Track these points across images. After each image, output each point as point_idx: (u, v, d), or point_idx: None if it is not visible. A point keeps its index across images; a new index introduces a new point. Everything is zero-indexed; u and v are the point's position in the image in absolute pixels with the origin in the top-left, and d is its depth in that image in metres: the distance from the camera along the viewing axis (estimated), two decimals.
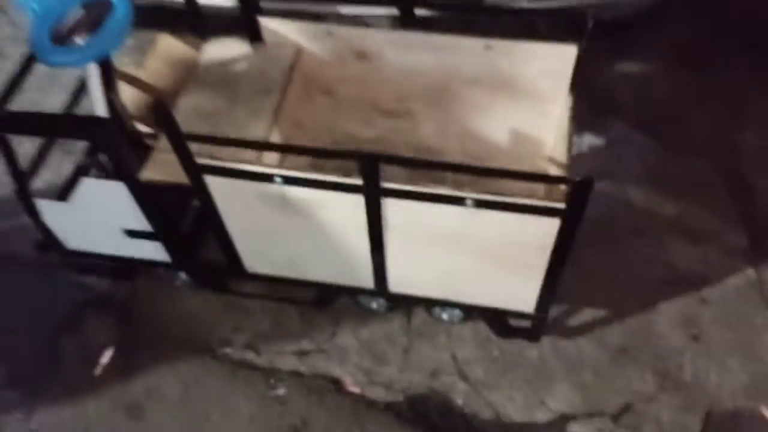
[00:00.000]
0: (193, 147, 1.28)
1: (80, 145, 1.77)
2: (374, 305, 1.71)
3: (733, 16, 2.38)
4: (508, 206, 1.21)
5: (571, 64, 1.47)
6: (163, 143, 1.42)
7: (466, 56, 1.54)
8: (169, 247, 1.59)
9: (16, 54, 1.43)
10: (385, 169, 1.21)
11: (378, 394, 1.63)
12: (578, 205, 1.17)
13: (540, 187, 1.35)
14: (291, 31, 1.61)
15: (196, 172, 1.33)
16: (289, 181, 1.28)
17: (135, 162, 1.42)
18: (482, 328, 1.69)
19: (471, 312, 1.66)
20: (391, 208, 1.29)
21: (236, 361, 1.69)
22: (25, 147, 1.55)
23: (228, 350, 1.71)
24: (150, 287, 1.83)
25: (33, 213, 1.55)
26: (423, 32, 1.52)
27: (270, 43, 1.64)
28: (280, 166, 1.35)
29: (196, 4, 1.62)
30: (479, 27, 1.51)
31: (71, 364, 1.71)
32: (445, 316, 1.69)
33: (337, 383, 1.65)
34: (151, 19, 1.82)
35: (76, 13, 1.37)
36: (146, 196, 1.43)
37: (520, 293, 1.45)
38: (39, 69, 1.49)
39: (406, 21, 1.51)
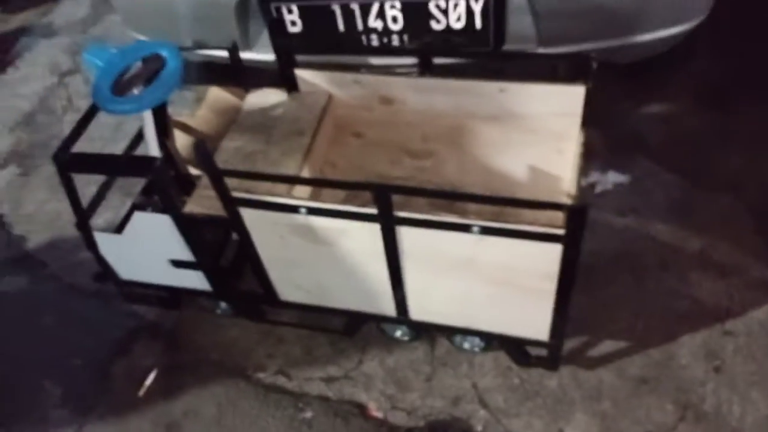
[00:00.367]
0: (231, 183, 1.44)
1: (138, 188, 1.97)
2: (398, 333, 1.80)
3: (758, 53, 2.42)
4: (511, 233, 1.29)
5: (580, 103, 1.56)
6: (205, 181, 1.59)
7: (482, 98, 1.66)
8: (210, 277, 1.73)
9: (87, 108, 1.64)
10: (411, 202, 1.32)
11: (400, 419, 1.69)
12: (575, 230, 1.23)
13: (557, 216, 1.41)
14: (323, 80, 1.77)
15: (231, 204, 1.48)
16: (312, 211, 1.41)
17: (181, 197, 1.59)
18: (503, 357, 1.74)
19: (491, 341, 1.72)
20: (405, 236, 1.39)
21: (268, 385, 1.80)
22: (90, 189, 1.73)
23: (261, 375, 1.82)
24: (193, 316, 1.97)
25: (92, 245, 1.73)
26: (442, 78, 1.65)
27: (304, 91, 1.80)
28: (315, 200, 1.48)
29: (240, 61, 1.81)
30: (494, 71, 1.64)
31: (119, 385, 1.85)
32: (466, 345, 1.75)
33: (361, 408, 1.73)
34: (203, 75, 2.04)
35: (134, 67, 1.57)
36: (189, 228, 1.59)
37: (533, 320, 1.51)
38: (105, 122, 1.70)
39: (426, 68, 1.65)
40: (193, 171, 1.78)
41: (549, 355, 1.61)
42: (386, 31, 1.87)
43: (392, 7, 1.80)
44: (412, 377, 1.76)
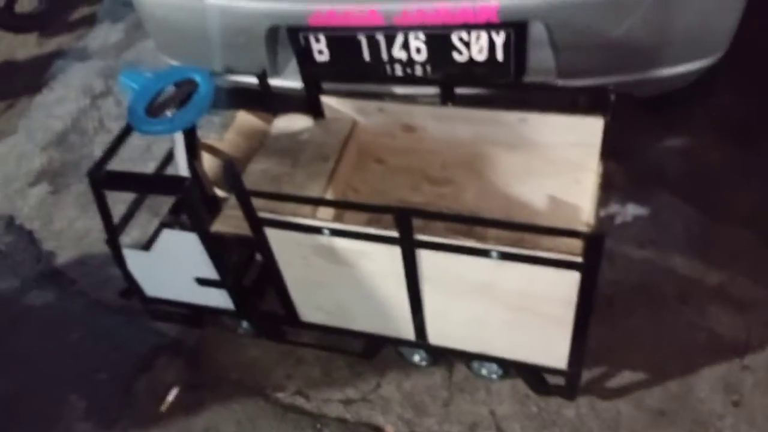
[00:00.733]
0: (258, 204, 1.49)
1: (165, 208, 2.03)
2: (416, 358, 1.81)
3: None
4: (530, 259, 1.32)
5: (599, 135, 1.59)
6: (232, 202, 1.64)
7: (502, 128, 1.70)
8: (234, 296, 1.77)
9: (119, 129, 1.71)
10: (430, 227, 1.36)
11: None
12: (593, 258, 1.26)
13: (575, 244, 1.43)
14: (348, 108, 1.83)
15: (257, 224, 1.52)
16: (335, 233, 1.45)
17: (208, 216, 1.64)
18: (521, 385, 1.75)
19: (508, 368, 1.73)
20: (425, 259, 1.42)
21: (287, 405, 1.82)
22: (118, 208, 1.79)
23: (280, 395, 1.85)
24: (215, 334, 2.01)
25: (120, 261, 1.78)
26: (463, 108, 1.70)
27: (330, 118, 1.86)
28: (338, 222, 1.52)
29: (269, 87, 1.88)
30: (514, 101, 1.68)
31: (142, 400, 1.89)
32: (484, 371, 1.76)
33: (379, 431, 1.74)
34: (232, 100, 2.11)
35: (168, 90, 1.64)
36: (215, 246, 1.63)
37: (552, 348, 1.52)
38: (135, 144, 1.77)
39: (448, 98, 1.70)
40: (218, 192, 1.84)
41: (567, 384, 1.62)
42: (410, 62, 1.92)
43: (416, 38, 1.85)
44: (430, 402, 1.78)
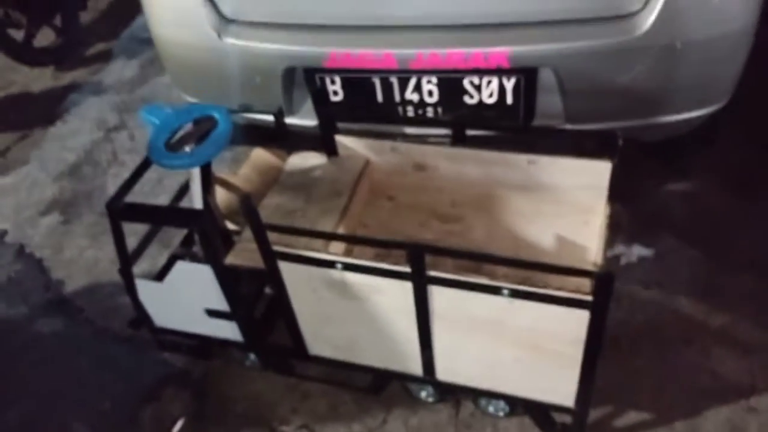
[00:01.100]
0: (271, 237, 1.52)
1: (176, 241, 2.06)
2: (423, 394, 1.82)
3: None
4: (540, 297, 1.34)
5: (607, 178, 1.64)
6: (246, 235, 1.67)
7: (511, 169, 1.75)
8: (243, 328, 1.79)
9: (131, 162, 1.75)
10: (439, 264, 1.39)
11: None
12: (602, 297, 1.28)
13: (583, 283, 1.45)
14: (361, 147, 1.88)
15: (271, 257, 1.55)
16: (348, 267, 1.48)
17: (222, 249, 1.67)
18: (528, 423, 1.75)
19: (516, 405, 1.73)
20: (436, 295, 1.45)
21: None
22: (130, 241, 1.82)
23: (286, 429, 1.85)
24: (223, 367, 2.01)
25: (132, 290, 1.80)
26: (473, 148, 1.75)
27: (343, 155, 1.91)
28: (347, 256, 1.55)
29: (285, 125, 1.93)
30: (524, 144, 1.73)
31: (147, 431, 1.89)
32: (491, 408, 1.77)
33: None
34: (248, 137, 2.16)
35: (187, 126, 1.69)
36: (228, 278, 1.66)
37: (559, 386, 1.53)
38: (147, 177, 1.80)
39: (458, 139, 1.75)
40: (229, 225, 1.87)
41: (574, 423, 1.62)
42: (422, 104, 1.99)
43: (428, 81, 1.92)
44: None
